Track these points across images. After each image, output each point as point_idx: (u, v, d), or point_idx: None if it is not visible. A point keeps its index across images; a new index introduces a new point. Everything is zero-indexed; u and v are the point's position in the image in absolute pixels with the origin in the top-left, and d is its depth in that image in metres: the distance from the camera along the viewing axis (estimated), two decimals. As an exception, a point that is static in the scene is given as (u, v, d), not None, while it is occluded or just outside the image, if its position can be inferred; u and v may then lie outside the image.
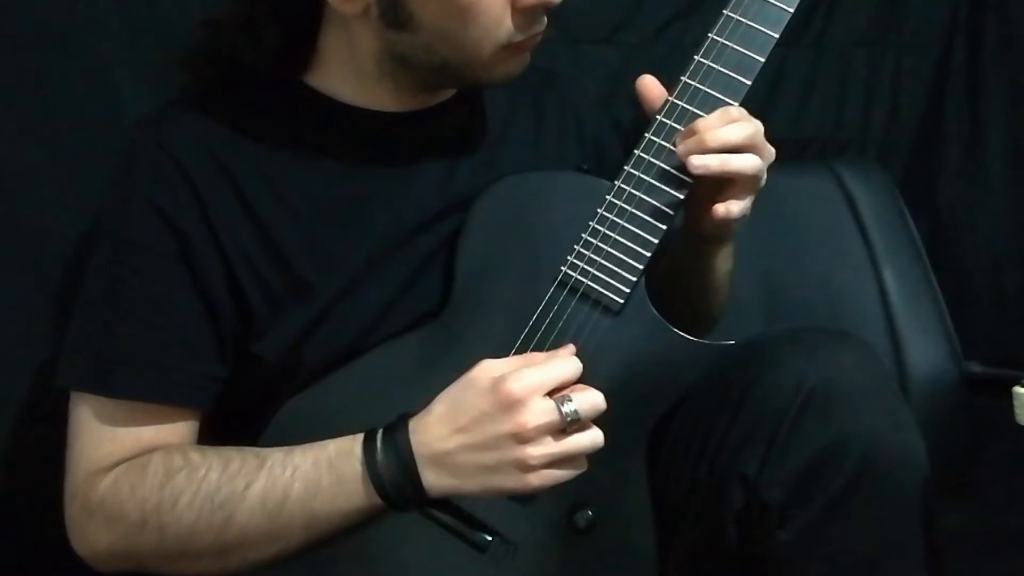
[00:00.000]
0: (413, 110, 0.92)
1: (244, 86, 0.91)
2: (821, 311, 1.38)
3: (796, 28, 1.51)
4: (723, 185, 0.86)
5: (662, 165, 0.86)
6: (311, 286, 0.87)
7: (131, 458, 0.84)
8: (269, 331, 0.87)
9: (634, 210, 0.86)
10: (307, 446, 0.83)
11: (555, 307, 0.87)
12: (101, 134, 1.06)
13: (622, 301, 0.86)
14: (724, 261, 0.99)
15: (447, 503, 0.84)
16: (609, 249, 0.86)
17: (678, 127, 0.86)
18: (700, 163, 0.84)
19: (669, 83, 0.88)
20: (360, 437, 0.82)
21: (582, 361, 0.84)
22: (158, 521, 0.81)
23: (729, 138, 0.84)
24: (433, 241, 0.91)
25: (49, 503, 0.86)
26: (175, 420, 0.86)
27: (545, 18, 0.87)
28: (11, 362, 1.04)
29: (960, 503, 1.37)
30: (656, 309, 0.88)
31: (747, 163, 0.85)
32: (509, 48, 0.85)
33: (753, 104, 1.56)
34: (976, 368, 1.38)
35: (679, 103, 0.86)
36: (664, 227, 0.86)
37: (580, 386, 0.82)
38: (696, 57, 0.86)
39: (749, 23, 0.85)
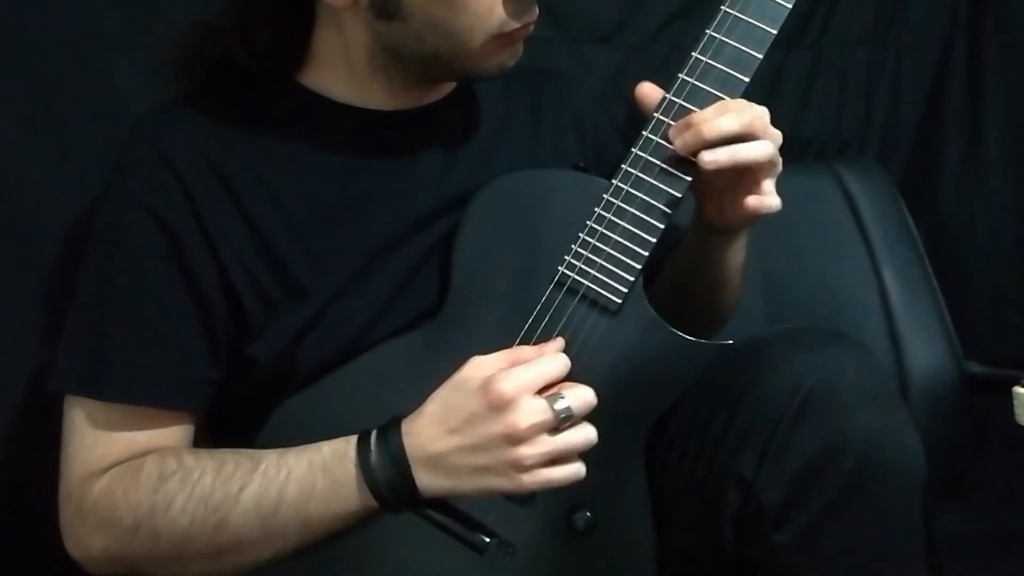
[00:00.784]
0: (407, 108, 0.92)
1: (238, 87, 0.91)
2: (821, 311, 1.38)
3: (796, 28, 1.51)
4: (740, 175, 0.86)
5: (660, 163, 0.86)
6: (306, 287, 0.87)
7: (125, 461, 0.84)
8: (264, 333, 0.86)
9: (632, 209, 0.86)
10: (301, 448, 0.82)
11: (553, 306, 0.86)
12: (101, 134, 1.06)
13: (620, 300, 0.86)
14: (738, 254, 0.98)
15: (445, 504, 0.83)
16: (607, 248, 0.86)
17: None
18: (711, 158, 0.82)
19: (669, 83, 0.87)
20: (354, 439, 0.82)
21: (580, 361, 0.84)
22: (152, 525, 0.81)
23: (726, 128, 0.83)
24: (429, 240, 0.91)
25: (46, 504, 0.86)
26: (169, 423, 0.86)
27: (536, 8, 0.86)
28: (9, 362, 1.04)
29: (960, 503, 1.37)
30: (662, 309, 0.88)
31: (758, 151, 0.83)
32: (500, 38, 0.85)
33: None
34: (976, 368, 1.38)
35: (677, 100, 0.86)
36: (662, 226, 0.86)
37: (569, 383, 0.82)
38: (694, 54, 0.86)
39: (747, 19, 0.85)
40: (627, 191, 0.86)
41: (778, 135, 0.86)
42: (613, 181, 0.87)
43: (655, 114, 0.86)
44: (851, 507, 0.78)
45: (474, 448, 0.79)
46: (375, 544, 0.84)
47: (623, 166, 0.87)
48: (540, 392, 0.80)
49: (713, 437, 0.83)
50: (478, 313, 0.88)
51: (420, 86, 0.92)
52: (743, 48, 0.85)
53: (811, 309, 1.38)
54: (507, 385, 0.78)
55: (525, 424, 0.78)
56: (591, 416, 0.82)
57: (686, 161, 0.85)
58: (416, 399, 0.82)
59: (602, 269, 0.86)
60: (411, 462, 0.80)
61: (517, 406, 0.78)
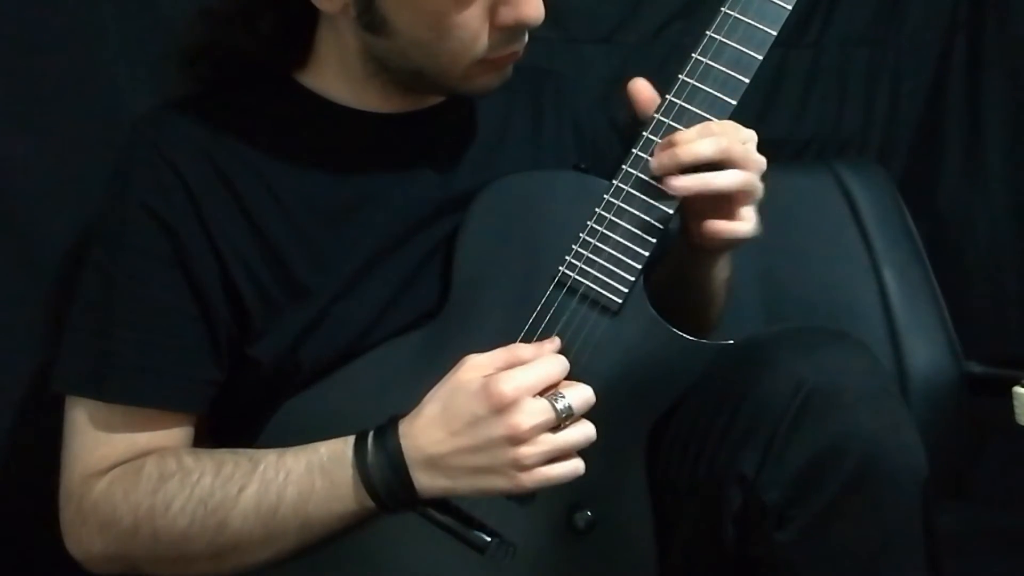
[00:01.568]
0: (406, 111, 0.92)
1: (239, 86, 0.91)
2: (821, 311, 1.38)
3: (796, 28, 1.52)
4: (715, 200, 0.86)
5: (660, 164, 0.86)
6: (307, 288, 0.87)
7: (125, 462, 0.84)
8: (266, 334, 0.86)
9: (632, 209, 0.86)
10: (300, 449, 0.82)
11: (553, 307, 0.86)
12: (101, 134, 1.06)
13: (620, 301, 0.86)
14: (722, 270, 0.99)
15: (446, 504, 0.83)
16: (607, 248, 0.86)
17: (676, 126, 0.86)
18: (680, 184, 0.83)
19: (668, 83, 0.87)
20: (351, 440, 0.82)
21: (580, 361, 0.84)
22: (151, 525, 0.81)
23: (701, 153, 0.82)
24: (431, 241, 0.91)
25: (46, 504, 0.86)
26: (170, 424, 0.86)
27: (526, 36, 0.86)
28: (10, 362, 1.04)
29: (960, 503, 1.37)
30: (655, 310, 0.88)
31: (729, 180, 0.83)
32: (486, 63, 0.84)
33: (753, 104, 1.57)
34: (976, 368, 1.38)
35: (677, 101, 0.86)
36: (662, 227, 0.86)
37: (568, 382, 0.82)
38: (694, 55, 0.86)
39: (748, 21, 0.85)
40: (627, 191, 0.86)
41: (760, 162, 0.86)
42: (613, 182, 0.87)
43: (655, 115, 0.86)
44: (852, 506, 0.78)
45: (475, 449, 0.79)
46: (375, 544, 0.84)
47: (623, 167, 0.87)
48: (539, 392, 0.80)
49: (714, 436, 0.83)
50: (479, 313, 0.88)
51: (414, 93, 0.91)
52: (743, 49, 0.85)
53: (811, 309, 1.38)
54: (508, 386, 0.78)
55: (527, 425, 0.78)
56: (592, 416, 0.82)
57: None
58: (418, 399, 0.82)
59: (603, 269, 0.86)
60: (409, 463, 0.80)
61: (518, 407, 0.78)
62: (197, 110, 0.89)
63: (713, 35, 0.85)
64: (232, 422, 0.89)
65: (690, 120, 0.85)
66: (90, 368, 0.84)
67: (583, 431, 0.81)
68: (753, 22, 0.85)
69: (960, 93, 1.60)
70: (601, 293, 0.86)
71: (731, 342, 0.87)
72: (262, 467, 0.82)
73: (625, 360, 0.86)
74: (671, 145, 0.84)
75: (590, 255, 0.86)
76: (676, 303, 0.93)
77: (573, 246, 0.87)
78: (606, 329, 0.86)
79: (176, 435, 0.86)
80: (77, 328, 0.86)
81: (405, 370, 0.87)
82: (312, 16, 0.88)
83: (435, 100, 0.94)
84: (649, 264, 0.86)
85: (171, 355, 0.84)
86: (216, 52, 0.90)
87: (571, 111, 1.04)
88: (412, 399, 0.83)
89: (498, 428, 0.78)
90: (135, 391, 0.84)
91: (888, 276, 1.40)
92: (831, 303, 1.39)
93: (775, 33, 0.85)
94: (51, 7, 1.06)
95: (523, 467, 0.79)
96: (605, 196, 0.87)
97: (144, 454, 0.84)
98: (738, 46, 0.85)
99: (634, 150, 0.87)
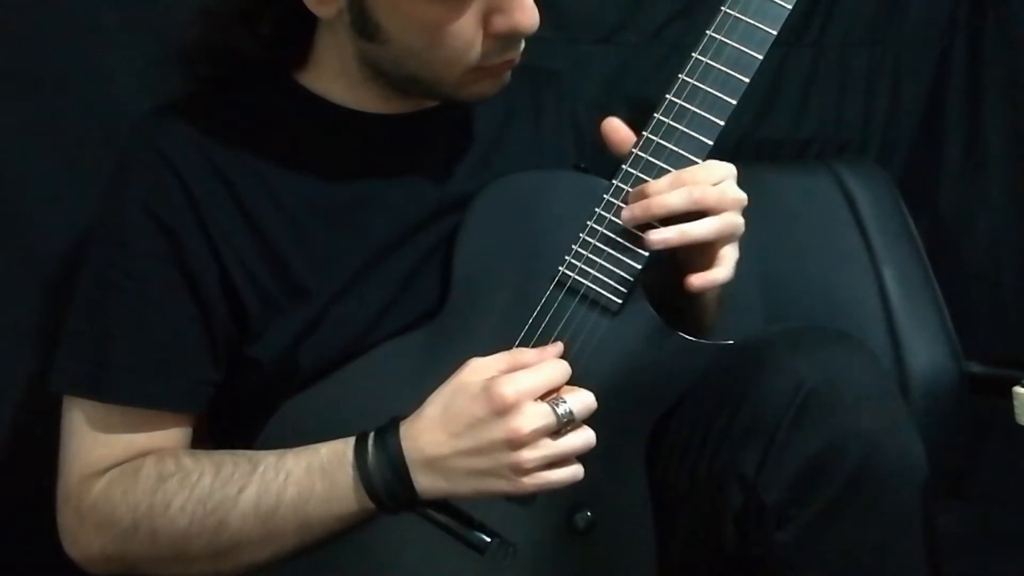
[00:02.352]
0: (406, 112, 0.92)
1: (239, 86, 0.91)
2: (821, 311, 1.38)
3: (796, 28, 1.51)
4: (696, 244, 0.85)
5: (661, 164, 0.86)
6: (307, 288, 0.87)
7: (124, 462, 0.84)
8: (265, 334, 0.86)
9: (632, 210, 0.86)
10: (300, 450, 0.82)
11: (553, 307, 0.86)
12: (101, 134, 1.06)
13: (620, 301, 0.86)
14: (711, 291, 0.97)
15: (446, 504, 0.83)
16: (607, 249, 0.86)
17: (677, 125, 0.86)
18: (659, 238, 0.83)
19: (668, 83, 0.87)
20: (351, 441, 0.82)
21: (580, 361, 0.84)
22: (150, 526, 0.81)
23: (673, 205, 0.82)
24: (430, 241, 0.91)
25: (45, 504, 0.86)
26: (169, 425, 0.86)
27: (522, 44, 0.85)
28: (9, 362, 1.04)
29: (959, 503, 1.37)
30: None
31: (705, 229, 0.83)
32: (480, 71, 0.84)
33: (753, 104, 1.57)
34: (976, 368, 1.38)
35: (677, 101, 0.86)
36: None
37: (570, 387, 0.82)
38: (694, 55, 0.86)
39: (747, 20, 0.85)
40: (627, 191, 0.86)
41: (738, 199, 0.85)
42: (613, 182, 0.87)
43: (656, 114, 0.86)
44: (852, 506, 0.78)
45: (475, 452, 0.79)
46: (375, 544, 0.84)
47: (624, 166, 0.87)
48: (541, 397, 0.80)
49: (714, 437, 0.83)
50: (479, 313, 0.88)
51: (412, 97, 0.91)
52: (743, 49, 0.85)
53: (811, 309, 1.38)
54: (509, 389, 0.78)
55: (528, 428, 0.78)
56: (592, 416, 0.82)
57: None
58: (417, 399, 0.82)
59: (602, 269, 0.86)
60: (409, 465, 0.80)
61: (519, 411, 0.78)
62: (197, 110, 0.89)
63: (713, 35, 0.85)
64: (231, 422, 0.89)
65: (690, 120, 0.85)
66: (88, 368, 0.84)
67: (583, 437, 0.81)
68: (753, 22, 0.85)
69: (960, 93, 1.60)
70: (601, 293, 0.86)
71: (731, 342, 0.87)
72: (262, 468, 0.82)
73: (625, 360, 0.86)
74: (642, 196, 0.84)
75: (590, 255, 0.86)
76: (675, 304, 0.93)
77: (573, 246, 0.87)
78: (606, 329, 0.86)
79: (175, 435, 0.86)
80: (75, 328, 0.86)
81: (405, 370, 0.87)
82: (311, 17, 0.88)
83: (435, 101, 0.94)
84: (649, 264, 0.86)
85: (170, 355, 0.84)
86: (216, 52, 0.90)
87: (571, 111, 1.04)
88: (412, 399, 0.83)
89: (499, 431, 0.78)
90: (133, 391, 0.84)
91: (888, 276, 1.40)
92: (831, 303, 1.39)
93: (775, 33, 0.85)
94: (51, 7, 1.06)
95: (523, 471, 0.79)
96: (605, 196, 0.87)
97: (142, 454, 0.84)
98: (738, 46, 0.85)
99: (634, 150, 0.87)
